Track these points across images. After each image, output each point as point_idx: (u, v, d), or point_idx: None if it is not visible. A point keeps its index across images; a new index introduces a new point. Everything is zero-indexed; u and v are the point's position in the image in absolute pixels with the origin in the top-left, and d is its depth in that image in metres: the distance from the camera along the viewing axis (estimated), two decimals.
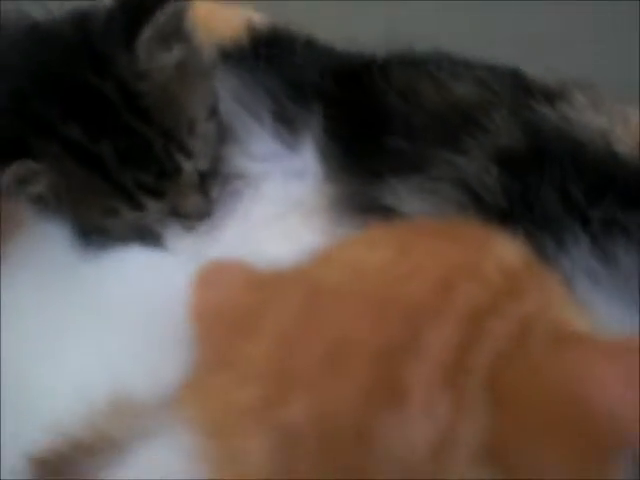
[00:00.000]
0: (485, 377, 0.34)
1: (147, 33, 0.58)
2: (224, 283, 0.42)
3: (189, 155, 0.60)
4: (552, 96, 0.64)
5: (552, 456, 0.33)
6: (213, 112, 0.63)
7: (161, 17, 0.57)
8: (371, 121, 0.60)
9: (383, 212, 0.54)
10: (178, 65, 0.59)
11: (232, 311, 0.40)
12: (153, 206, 0.60)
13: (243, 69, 0.69)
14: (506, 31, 0.90)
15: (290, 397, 0.34)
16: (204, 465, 0.33)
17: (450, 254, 0.38)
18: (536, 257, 0.42)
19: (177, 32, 0.60)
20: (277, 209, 0.59)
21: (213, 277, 0.43)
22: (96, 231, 0.57)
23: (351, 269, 0.38)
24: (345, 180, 0.58)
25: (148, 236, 0.60)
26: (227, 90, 0.65)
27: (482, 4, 0.89)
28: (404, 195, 0.55)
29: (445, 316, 0.35)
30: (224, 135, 0.63)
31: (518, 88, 0.65)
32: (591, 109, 0.63)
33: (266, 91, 0.64)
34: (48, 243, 0.52)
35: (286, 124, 0.62)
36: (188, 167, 0.60)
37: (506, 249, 0.40)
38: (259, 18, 0.79)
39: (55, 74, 0.57)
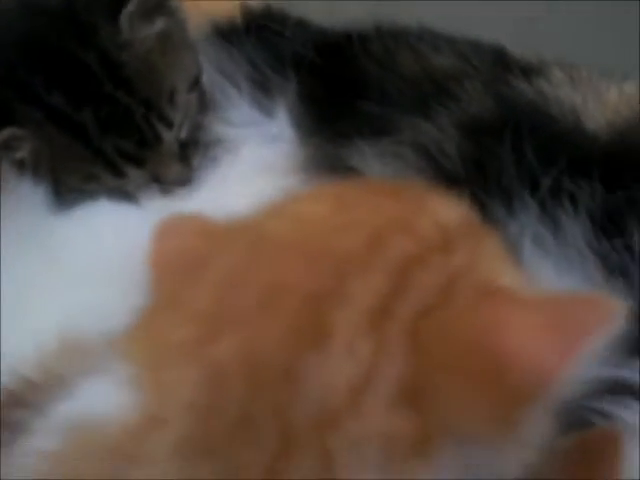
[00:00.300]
0: (408, 324, 0.35)
1: (131, 7, 0.60)
2: (180, 233, 0.44)
3: (169, 125, 0.62)
4: (530, 72, 0.65)
5: (467, 402, 0.34)
6: (195, 84, 0.65)
7: None
8: (346, 87, 0.62)
9: (349, 173, 0.56)
10: (160, 37, 0.61)
11: (184, 258, 0.42)
12: (134, 173, 0.62)
13: (232, 44, 0.71)
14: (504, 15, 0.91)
15: (222, 336, 0.35)
16: (140, 395, 0.35)
17: (387, 209, 0.40)
18: (484, 221, 0.43)
19: (160, 5, 0.62)
20: (251, 172, 0.61)
21: (171, 228, 0.44)
22: (76, 195, 0.60)
23: (293, 220, 0.40)
24: (316, 143, 0.60)
25: (126, 199, 0.62)
26: (212, 62, 0.67)
27: None
28: (369, 157, 0.56)
29: (374, 266, 0.36)
30: (206, 105, 0.66)
31: (497, 63, 0.66)
32: (568, 85, 0.64)
33: (248, 61, 0.66)
34: (24, 204, 0.54)
35: (263, 91, 0.64)
36: (168, 136, 0.62)
37: (444, 208, 0.41)
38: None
39: (40, 43, 0.59)
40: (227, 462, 0.32)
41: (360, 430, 0.33)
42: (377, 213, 0.39)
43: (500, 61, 0.66)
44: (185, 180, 0.64)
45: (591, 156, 0.50)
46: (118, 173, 0.61)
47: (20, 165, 0.58)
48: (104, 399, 0.35)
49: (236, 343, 0.35)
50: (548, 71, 0.65)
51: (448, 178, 0.51)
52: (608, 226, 0.47)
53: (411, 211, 0.40)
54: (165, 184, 0.63)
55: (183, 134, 0.64)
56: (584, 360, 0.34)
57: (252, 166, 0.62)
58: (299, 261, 0.37)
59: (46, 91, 0.59)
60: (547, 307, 0.36)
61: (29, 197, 0.55)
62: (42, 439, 0.36)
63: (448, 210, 0.41)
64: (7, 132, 0.57)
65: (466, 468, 0.35)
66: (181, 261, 0.41)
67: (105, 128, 0.60)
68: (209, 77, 0.66)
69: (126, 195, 0.62)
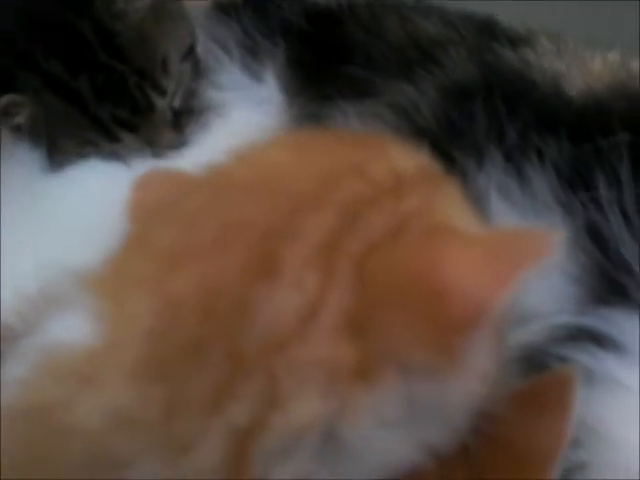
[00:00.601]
0: (355, 259, 0.36)
1: None
2: (157, 184, 0.46)
3: (162, 93, 0.64)
4: (518, 41, 0.66)
5: (408, 331, 0.35)
6: (189, 53, 0.67)
7: None
8: (333, 52, 0.64)
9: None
10: (153, 7, 0.63)
11: (157, 205, 0.44)
12: (129, 139, 0.64)
13: (229, 16, 0.73)
14: None
15: (181, 270, 0.37)
16: (103, 324, 0.37)
17: (344, 155, 0.41)
18: (451, 173, 0.44)
19: None
20: (240, 133, 0.63)
21: (149, 180, 0.47)
22: (71, 158, 0.62)
23: (254, 165, 0.42)
24: (301, 103, 0.62)
25: (120, 161, 0.64)
26: (207, 33, 0.69)
27: None
28: (351, 117, 0.58)
29: (326, 205, 0.38)
30: (200, 74, 0.68)
31: (484, 32, 0.67)
32: (554, 55, 0.65)
33: (242, 29, 0.68)
34: (21, 166, 0.57)
35: (253, 56, 0.66)
36: (161, 104, 0.64)
37: (402, 156, 0.42)
38: None
39: (38, 14, 0.62)
40: (179, 383, 0.34)
41: (305, 356, 0.35)
42: (334, 158, 0.41)
43: (487, 30, 0.67)
44: (178, 145, 0.66)
45: (563, 116, 0.52)
46: (113, 139, 0.63)
47: (18, 130, 0.61)
48: (71, 330, 0.38)
49: (194, 276, 0.37)
50: (535, 41, 0.66)
51: (421, 134, 0.52)
52: (574, 179, 0.49)
53: (368, 158, 0.41)
54: (158, 149, 0.66)
55: (176, 102, 0.65)
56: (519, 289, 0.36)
57: (241, 128, 0.64)
58: (255, 200, 0.39)
59: (44, 59, 0.61)
60: (487, 241, 0.37)
61: (26, 160, 0.58)
62: (14, 368, 0.39)
63: (405, 159, 0.42)
64: (6, 98, 0.60)
65: (410, 396, 0.37)
66: (154, 207, 0.44)
67: (100, 95, 0.62)
68: (204, 46, 0.68)
69: (120, 158, 0.65)
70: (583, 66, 0.63)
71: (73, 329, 0.37)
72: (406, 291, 0.35)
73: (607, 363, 0.44)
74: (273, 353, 0.35)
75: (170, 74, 0.65)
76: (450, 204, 0.42)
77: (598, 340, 0.46)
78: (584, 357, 0.45)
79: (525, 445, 0.41)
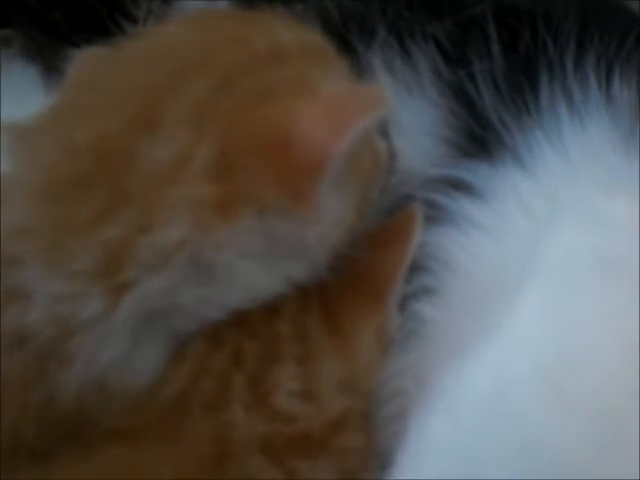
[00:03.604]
0: (224, 116, 0.42)
1: None
2: (92, 60, 0.52)
3: (135, 22, 0.69)
4: None
5: (263, 176, 0.41)
6: None
7: None
8: None
9: None
10: None
11: (86, 77, 0.50)
12: None
13: None
14: None
15: (83, 124, 0.43)
16: (17, 159, 0.43)
17: (232, 29, 0.46)
18: (339, 51, 0.49)
19: None
20: None
21: (86, 57, 0.52)
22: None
23: (159, 37, 0.47)
24: None
25: None
26: None
27: None
28: None
29: (206, 70, 0.43)
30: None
31: None
32: None
33: None
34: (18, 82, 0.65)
35: None
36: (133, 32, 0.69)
37: (286, 31, 0.47)
38: None
39: None
40: (67, 207, 0.41)
41: (176, 193, 0.41)
42: (222, 31, 0.47)
43: None
44: None
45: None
46: None
47: (13, 59, 0.67)
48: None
49: (93, 129, 0.43)
50: None
51: (325, 25, 0.56)
52: (452, 54, 0.54)
53: (252, 31, 0.47)
54: None
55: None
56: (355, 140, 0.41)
57: None
58: (150, 66, 0.45)
59: None
60: (332, 98, 0.43)
61: (23, 77, 0.66)
62: None
63: (289, 33, 0.47)
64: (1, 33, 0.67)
65: (268, 233, 0.42)
66: (84, 79, 0.50)
67: (75, 26, 0.67)
68: None
69: None
70: None
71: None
72: (262, 141, 0.41)
73: (462, 203, 0.50)
74: (149, 190, 0.41)
75: (140, 3, 0.69)
76: (327, 74, 0.47)
77: (457, 185, 0.51)
78: (443, 199, 0.51)
79: (370, 273, 0.47)
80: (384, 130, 0.48)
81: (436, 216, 0.51)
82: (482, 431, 0.42)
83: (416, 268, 0.50)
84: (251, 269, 0.43)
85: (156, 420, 0.42)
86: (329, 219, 0.43)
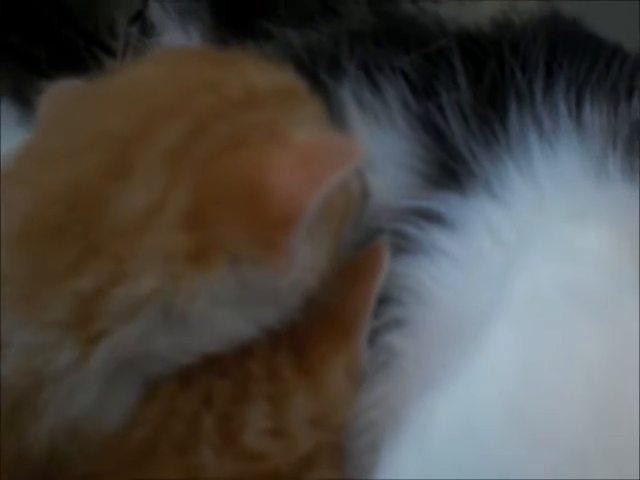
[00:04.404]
0: (197, 164, 0.41)
1: None
2: (59, 97, 0.51)
3: (112, 55, 0.68)
4: None
5: (236, 227, 0.41)
6: (137, 17, 0.69)
7: None
8: (248, 7, 0.68)
9: None
10: None
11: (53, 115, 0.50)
12: None
13: None
14: None
15: (54, 169, 0.43)
16: None
17: (204, 72, 0.46)
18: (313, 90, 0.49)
19: None
20: None
21: (54, 93, 0.51)
22: None
23: (129, 78, 0.47)
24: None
25: None
26: None
27: None
28: None
29: (179, 116, 0.43)
30: (148, 35, 0.71)
31: None
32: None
33: None
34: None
35: (185, 17, 0.69)
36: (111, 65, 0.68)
37: (259, 73, 0.47)
38: None
39: None
40: (40, 256, 0.41)
41: (148, 243, 0.40)
42: (194, 74, 0.46)
43: None
44: None
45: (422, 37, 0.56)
46: None
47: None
48: None
49: (63, 174, 0.42)
50: None
51: (295, 63, 0.56)
52: (421, 86, 0.54)
53: (225, 74, 0.46)
54: None
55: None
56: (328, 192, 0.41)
57: None
58: (121, 110, 0.44)
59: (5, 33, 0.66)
60: (306, 148, 0.43)
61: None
62: None
63: (262, 76, 0.47)
64: None
65: (241, 281, 0.42)
66: (51, 116, 0.50)
67: (55, 61, 0.66)
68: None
69: None
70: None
71: None
72: (235, 191, 0.41)
73: (432, 234, 0.51)
74: (121, 240, 0.41)
75: (118, 37, 0.67)
76: (300, 117, 0.47)
77: (428, 216, 0.52)
78: (414, 230, 0.51)
79: (338, 309, 0.47)
80: (357, 169, 0.48)
81: (407, 247, 0.51)
82: (451, 464, 0.42)
83: (387, 299, 0.50)
84: (224, 316, 0.43)
85: (127, 463, 0.42)
86: (302, 266, 0.43)
